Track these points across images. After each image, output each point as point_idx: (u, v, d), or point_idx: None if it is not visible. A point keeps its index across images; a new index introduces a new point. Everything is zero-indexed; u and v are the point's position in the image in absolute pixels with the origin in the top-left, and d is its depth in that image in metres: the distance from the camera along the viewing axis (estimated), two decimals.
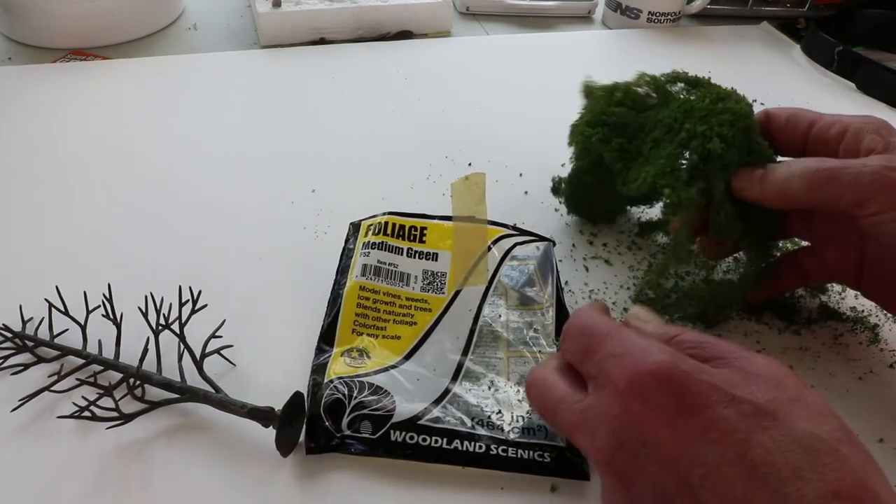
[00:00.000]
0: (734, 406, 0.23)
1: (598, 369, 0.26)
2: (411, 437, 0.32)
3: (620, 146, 0.41)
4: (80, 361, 0.35)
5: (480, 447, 0.32)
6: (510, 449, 0.32)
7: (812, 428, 0.23)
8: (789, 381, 0.24)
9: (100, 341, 0.37)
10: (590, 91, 0.44)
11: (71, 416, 0.32)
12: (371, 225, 0.42)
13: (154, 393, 0.34)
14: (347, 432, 0.32)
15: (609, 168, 0.42)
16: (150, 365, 0.35)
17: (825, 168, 0.33)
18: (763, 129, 0.38)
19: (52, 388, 0.34)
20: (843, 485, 0.21)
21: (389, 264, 0.40)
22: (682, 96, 0.40)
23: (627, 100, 0.42)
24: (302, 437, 0.33)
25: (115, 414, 0.32)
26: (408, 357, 0.36)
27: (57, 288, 0.38)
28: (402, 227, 0.41)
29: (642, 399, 0.24)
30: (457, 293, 0.39)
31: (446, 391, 0.34)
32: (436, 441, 0.32)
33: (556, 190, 0.48)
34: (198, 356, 0.35)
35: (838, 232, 0.37)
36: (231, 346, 0.37)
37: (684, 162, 0.38)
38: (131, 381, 0.34)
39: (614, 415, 0.25)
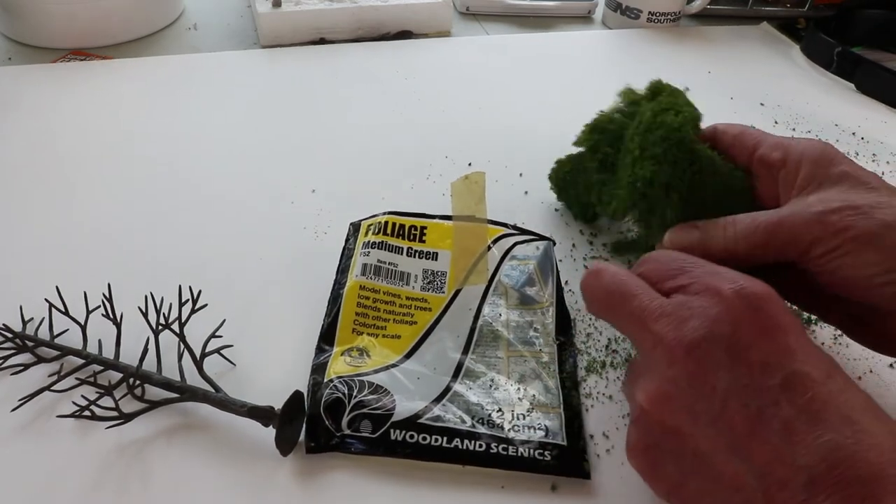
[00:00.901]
0: (815, 346, 0.26)
1: (695, 281, 0.28)
2: (411, 436, 0.32)
3: (604, 157, 0.42)
4: (80, 361, 0.35)
5: (480, 446, 0.32)
6: (510, 447, 0.32)
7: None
8: None
9: (100, 341, 0.37)
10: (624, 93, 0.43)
11: (71, 416, 0.32)
12: (371, 224, 0.42)
13: (154, 392, 0.34)
14: (347, 431, 0.32)
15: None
16: (150, 365, 0.35)
17: (763, 225, 0.33)
18: (711, 145, 0.37)
19: (52, 388, 0.34)
20: None
21: (389, 264, 0.40)
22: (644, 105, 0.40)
23: (627, 105, 0.42)
24: (302, 437, 0.33)
25: (114, 413, 0.32)
26: (408, 356, 0.36)
27: (57, 288, 0.38)
28: (402, 226, 0.41)
29: (747, 306, 0.26)
30: (457, 292, 0.39)
31: (447, 389, 0.34)
32: (436, 440, 0.32)
33: (550, 178, 0.48)
34: (198, 356, 0.35)
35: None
36: (231, 345, 0.37)
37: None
38: (131, 380, 0.34)
39: (714, 312, 0.26)
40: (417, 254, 0.40)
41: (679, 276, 0.29)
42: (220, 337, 0.37)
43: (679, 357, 0.26)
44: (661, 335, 0.27)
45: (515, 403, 0.34)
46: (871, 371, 0.38)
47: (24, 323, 0.38)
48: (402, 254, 0.40)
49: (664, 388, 0.27)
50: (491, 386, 0.35)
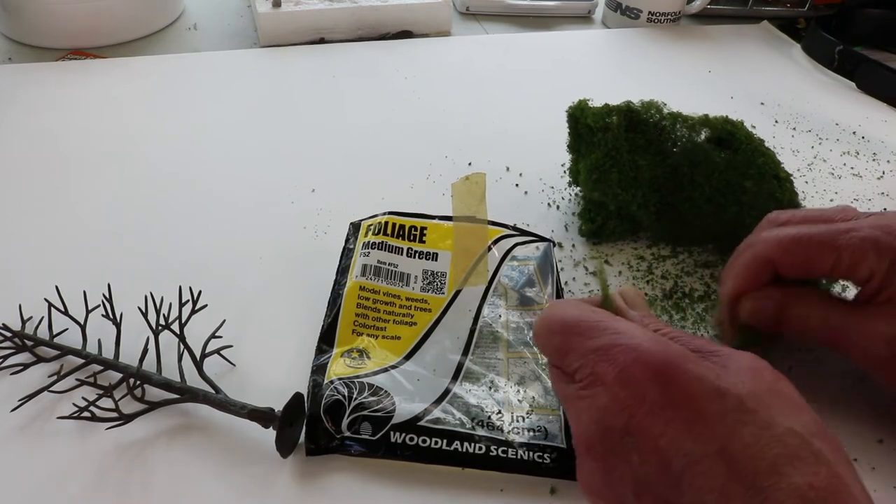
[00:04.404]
0: (719, 399, 0.24)
1: (581, 364, 0.26)
2: (411, 439, 0.32)
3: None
4: (80, 361, 0.35)
5: (480, 448, 0.32)
6: (510, 450, 0.32)
7: (789, 422, 0.23)
8: (767, 374, 0.25)
9: (99, 341, 0.37)
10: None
11: (71, 417, 0.32)
12: (371, 225, 0.42)
13: (154, 393, 0.34)
14: (347, 433, 0.32)
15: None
16: (149, 365, 0.35)
17: (831, 333, 0.33)
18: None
19: (51, 389, 0.34)
20: (817, 478, 0.22)
21: (389, 264, 0.40)
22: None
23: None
24: (302, 439, 0.33)
25: (114, 414, 0.32)
26: (408, 357, 0.36)
27: (56, 287, 0.38)
28: (402, 226, 0.41)
29: (630, 389, 0.24)
30: (457, 293, 0.39)
31: (446, 391, 0.34)
32: (435, 442, 0.32)
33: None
34: (198, 356, 0.35)
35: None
36: (231, 346, 0.37)
37: None
38: (131, 381, 0.34)
39: (601, 405, 0.25)
40: (417, 254, 0.40)
41: (567, 355, 0.27)
42: (220, 337, 0.37)
43: (586, 454, 0.26)
44: (572, 428, 0.27)
45: (515, 405, 0.34)
46: None
47: (24, 322, 0.38)
48: (402, 254, 0.40)
49: (587, 481, 0.26)
50: (490, 388, 0.35)
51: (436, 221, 0.42)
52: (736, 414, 0.23)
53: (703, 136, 0.44)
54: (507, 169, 0.53)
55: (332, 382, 0.33)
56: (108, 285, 0.37)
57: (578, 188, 0.49)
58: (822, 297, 0.34)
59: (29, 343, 0.37)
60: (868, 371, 0.33)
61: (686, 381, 0.24)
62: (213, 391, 0.34)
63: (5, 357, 0.36)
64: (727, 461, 0.22)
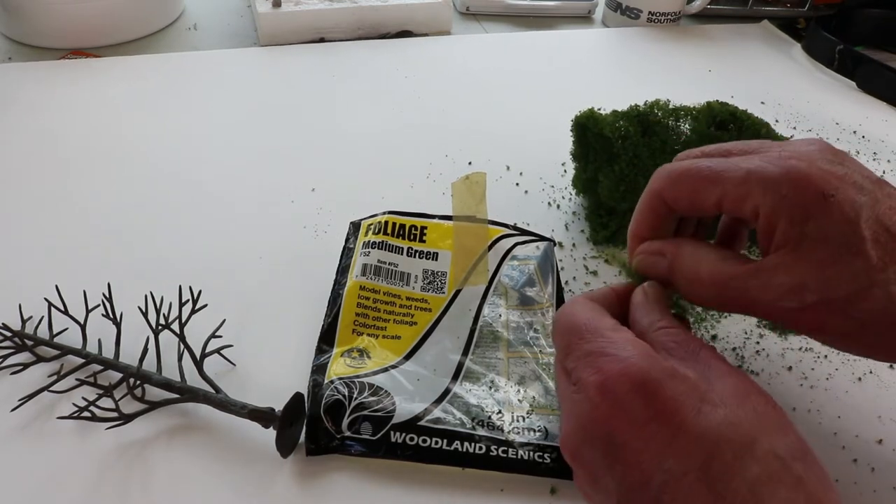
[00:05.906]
0: (702, 417, 0.23)
1: (574, 366, 0.26)
2: (411, 439, 0.32)
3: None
4: (80, 361, 0.35)
5: (480, 448, 0.32)
6: (510, 450, 0.32)
7: (771, 445, 0.23)
8: (754, 396, 0.25)
9: (99, 341, 0.37)
10: None
11: (71, 417, 0.32)
12: (371, 224, 0.42)
13: (154, 393, 0.34)
14: (347, 433, 0.32)
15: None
16: (149, 365, 0.35)
17: (730, 285, 0.28)
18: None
19: (51, 388, 0.34)
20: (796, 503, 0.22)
21: (389, 264, 0.39)
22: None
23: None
24: (302, 439, 0.33)
25: (115, 414, 0.32)
26: (408, 357, 0.36)
27: (56, 287, 0.38)
28: (402, 226, 0.41)
29: (612, 401, 0.24)
30: (457, 293, 0.39)
31: (446, 391, 0.34)
32: (436, 442, 0.32)
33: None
34: (198, 356, 0.35)
35: None
36: (231, 345, 0.37)
37: None
38: (131, 380, 0.34)
39: (584, 412, 0.25)
40: (417, 254, 0.40)
41: (567, 357, 0.27)
42: (220, 337, 0.37)
43: (570, 458, 0.26)
44: (562, 429, 0.27)
45: (515, 405, 0.34)
46: (871, 372, 0.38)
47: (24, 322, 0.38)
48: (402, 254, 0.40)
49: (579, 483, 0.27)
50: (491, 387, 0.35)
51: (436, 221, 0.42)
52: (718, 432, 0.23)
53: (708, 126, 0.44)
54: (508, 168, 0.53)
55: (332, 382, 0.33)
56: (108, 285, 0.37)
57: (582, 195, 0.49)
58: (718, 251, 0.30)
59: (29, 343, 0.37)
60: (783, 325, 0.31)
61: (669, 397, 0.24)
62: (213, 391, 0.34)
63: (5, 357, 0.36)
64: (707, 481, 0.22)
